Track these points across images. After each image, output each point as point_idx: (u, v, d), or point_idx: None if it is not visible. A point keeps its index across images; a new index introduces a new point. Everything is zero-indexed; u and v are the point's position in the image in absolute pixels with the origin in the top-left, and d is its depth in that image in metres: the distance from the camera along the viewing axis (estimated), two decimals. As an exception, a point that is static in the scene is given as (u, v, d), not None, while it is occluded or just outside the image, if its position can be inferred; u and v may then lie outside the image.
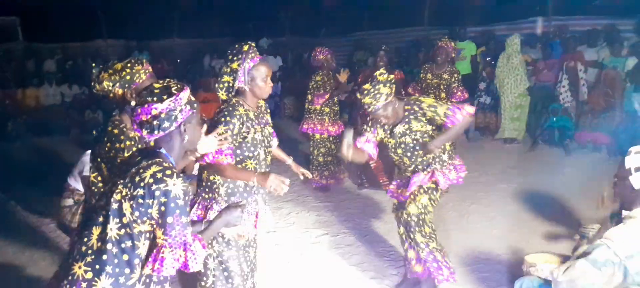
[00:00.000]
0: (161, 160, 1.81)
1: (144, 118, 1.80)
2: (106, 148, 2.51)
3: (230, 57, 2.61)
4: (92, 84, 2.59)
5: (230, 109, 2.58)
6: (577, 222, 3.56)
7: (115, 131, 2.49)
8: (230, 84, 2.63)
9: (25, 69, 10.98)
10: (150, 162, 1.78)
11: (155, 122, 1.80)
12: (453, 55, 5.27)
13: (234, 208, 2.13)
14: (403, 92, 5.59)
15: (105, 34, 12.16)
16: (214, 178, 2.66)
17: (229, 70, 2.62)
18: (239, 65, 2.58)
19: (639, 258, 2.05)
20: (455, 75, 5.34)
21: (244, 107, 2.62)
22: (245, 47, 2.60)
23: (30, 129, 9.40)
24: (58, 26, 11.17)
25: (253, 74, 2.61)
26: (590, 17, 8.76)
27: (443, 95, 5.36)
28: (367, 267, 3.99)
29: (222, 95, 2.65)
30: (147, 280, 1.83)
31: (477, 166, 6.67)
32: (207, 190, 2.70)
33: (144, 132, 1.82)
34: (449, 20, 10.05)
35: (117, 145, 2.48)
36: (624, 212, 2.25)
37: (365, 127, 3.39)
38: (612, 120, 6.83)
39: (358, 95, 3.17)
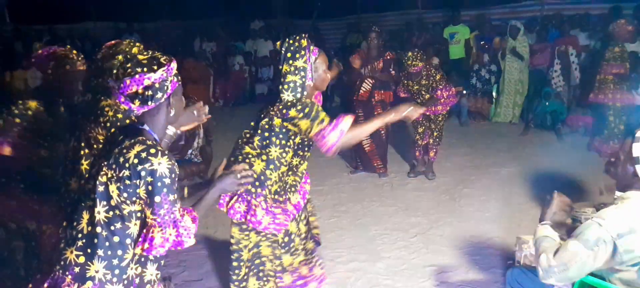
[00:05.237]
0: (144, 138, 1.75)
1: (135, 89, 1.73)
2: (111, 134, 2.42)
3: (288, 55, 2.47)
4: (94, 66, 2.46)
5: (315, 106, 2.46)
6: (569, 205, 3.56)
7: (119, 116, 2.38)
8: (298, 83, 2.47)
9: (13, 52, 10.80)
10: (133, 140, 1.73)
11: (148, 93, 1.74)
12: (421, 72, 5.24)
13: (227, 175, 2.06)
14: (393, 73, 5.54)
15: (94, 16, 11.96)
16: (270, 174, 2.50)
17: (292, 69, 2.46)
18: (305, 61, 2.47)
19: (629, 237, 2.04)
20: (432, 78, 5.29)
21: None
22: (304, 42, 2.49)
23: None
24: (46, 8, 10.97)
25: (317, 65, 2.53)
26: (584, 2, 8.73)
27: (427, 96, 5.36)
28: (360, 250, 3.99)
29: (288, 96, 2.47)
30: (143, 260, 1.80)
31: (469, 150, 6.70)
32: (257, 183, 2.49)
33: (135, 104, 1.75)
34: (443, 3, 9.98)
35: None
36: (617, 193, 2.23)
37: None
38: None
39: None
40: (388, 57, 5.50)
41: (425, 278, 3.54)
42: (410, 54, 5.22)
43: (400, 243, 4.08)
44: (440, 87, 5.27)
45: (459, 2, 9.68)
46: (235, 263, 2.61)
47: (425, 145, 5.65)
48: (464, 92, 8.14)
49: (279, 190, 2.56)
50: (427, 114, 5.46)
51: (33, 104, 2.74)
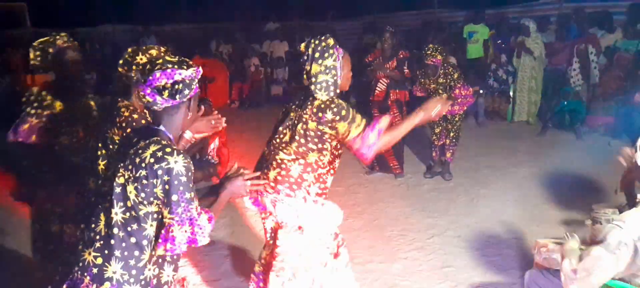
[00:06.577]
0: (159, 138, 1.78)
1: (164, 82, 1.75)
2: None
3: (316, 55, 2.45)
4: (122, 63, 2.45)
5: (351, 108, 2.46)
6: (588, 206, 3.52)
7: (135, 116, 2.42)
8: (330, 82, 2.46)
9: (34, 54, 11.02)
10: (148, 141, 1.76)
11: (177, 87, 1.77)
12: (439, 67, 5.23)
13: (236, 177, 2.07)
14: (407, 71, 5.53)
15: (112, 19, 12.14)
16: (307, 176, 2.49)
17: (322, 68, 2.45)
18: (335, 60, 2.46)
19: None
20: (450, 77, 5.27)
21: None
22: (331, 41, 2.48)
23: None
24: (65, 11, 11.17)
25: (342, 63, 2.53)
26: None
27: (444, 96, 5.32)
28: (377, 251, 3.99)
29: (322, 95, 2.47)
30: (160, 260, 1.83)
31: (487, 150, 6.64)
32: (294, 187, 2.49)
33: (163, 96, 1.77)
34: (459, 3, 9.90)
35: None
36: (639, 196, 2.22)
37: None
38: (624, 104, 6.73)
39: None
40: (401, 56, 5.49)
41: (442, 279, 3.53)
42: (430, 45, 5.26)
43: (417, 244, 4.07)
44: (458, 85, 5.24)
45: (475, 1, 9.58)
46: (283, 266, 2.57)
47: (442, 145, 5.62)
48: (481, 92, 8.07)
49: (319, 190, 2.55)
50: (444, 114, 5.42)
51: (47, 94, 2.82)
